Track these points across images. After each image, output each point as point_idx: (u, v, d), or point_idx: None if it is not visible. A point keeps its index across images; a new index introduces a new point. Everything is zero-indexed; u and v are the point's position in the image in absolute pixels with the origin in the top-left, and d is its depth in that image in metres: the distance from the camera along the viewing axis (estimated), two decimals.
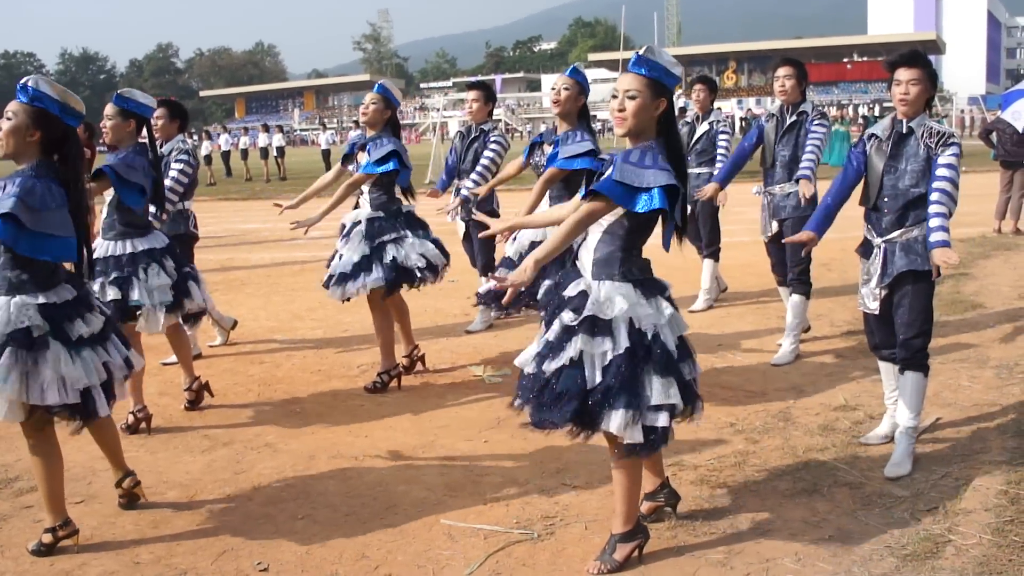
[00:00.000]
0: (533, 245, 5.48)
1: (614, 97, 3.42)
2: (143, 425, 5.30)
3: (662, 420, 3.35)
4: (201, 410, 5.68)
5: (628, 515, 3.54)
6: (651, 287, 3.46)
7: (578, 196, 3.68)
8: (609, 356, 3.32)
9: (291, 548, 3.83)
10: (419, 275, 5.88)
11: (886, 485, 4.24)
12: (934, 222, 4.23)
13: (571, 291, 3.44)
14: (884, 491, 4.18)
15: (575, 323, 3.36)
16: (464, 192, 6.87)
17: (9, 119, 3.72)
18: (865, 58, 78.23)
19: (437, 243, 6.02)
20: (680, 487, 4.16)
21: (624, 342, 3.32)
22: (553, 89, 5.37)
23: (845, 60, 79.97)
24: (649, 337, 3.36)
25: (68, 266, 3.92)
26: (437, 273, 6.01)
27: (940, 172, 4.28)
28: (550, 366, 3.38)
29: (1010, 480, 4.19)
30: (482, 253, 7.39)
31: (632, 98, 3.36)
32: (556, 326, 3.42)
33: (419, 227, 6.01)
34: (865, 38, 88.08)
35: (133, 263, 5.13)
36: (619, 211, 3.38)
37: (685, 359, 3.50)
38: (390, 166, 5.75)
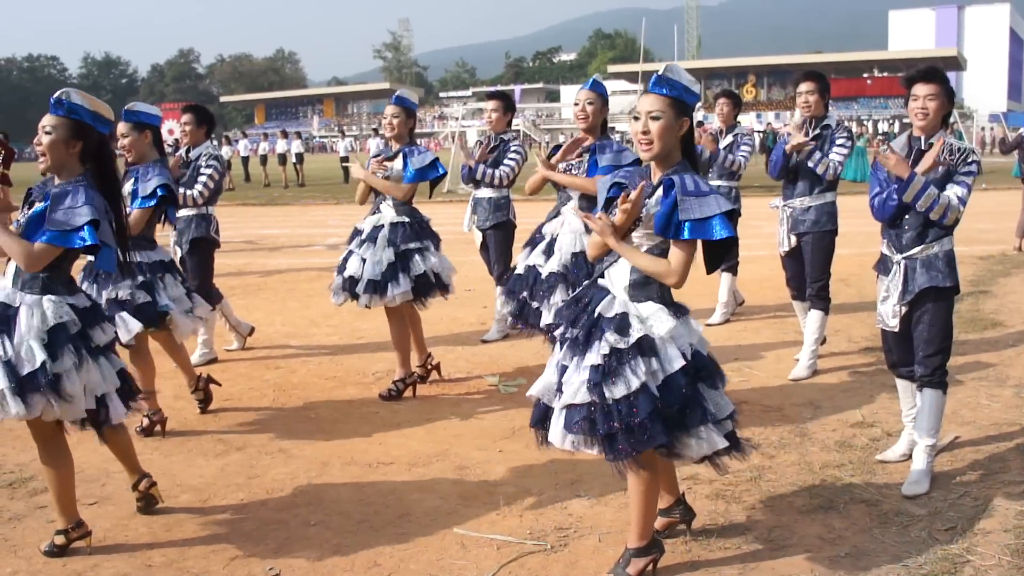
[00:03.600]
0: (575, 256, 5.37)
1: (636, 119, 3.38)
2: (157, 428, 5.31)
3: (729, 426, 3.45)
4: (215, 414, 5.69)
5: (643, 530, 3.51)
6: (679, 309, 3.44)
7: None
8: (661, 375, 3.28)
9: (303, 554, 3.82)
10: (430, 294, 5.91)
11: (903, 503, 4.20)
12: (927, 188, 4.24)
13: (607, 311, 3.37)
14: (901, 509, 4.13)
15: (627, 346, 3.29)
16: (490, 172, 6.97)
17: (48, 133, 3.74)
18: (885, 73, 77.93)
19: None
20: (695, 502, 4.13)
21: (678, 360, 3.30)
22: (576, 104, 5.33)
23: (865, 75, 79.68)
24: (690, 355, 3.34)
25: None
26: (447, 291, 6.02)
27: (952, 188, 4.26)
28: (617, 392, 3.25)
29: None
30: (499, 262, 7.37)
31: (656, 119, 3.32)
32: (600, 349, 3.30)
33: (437, 240, 6.02)
34: (885, 53, 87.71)
35: (152, 271, 5.17)
36: (659, 237, 3.36)
37: (718, 373, 3.52)
38: (439, 171, 5.81)
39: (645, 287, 3.39)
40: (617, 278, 3.44)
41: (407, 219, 5.87)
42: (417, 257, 5.79)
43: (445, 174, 5.91)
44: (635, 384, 3.23)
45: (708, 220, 3.24)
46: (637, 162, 5.00)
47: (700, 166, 8.10)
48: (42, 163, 3.79)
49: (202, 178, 6.32)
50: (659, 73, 3.37)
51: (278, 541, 3.95)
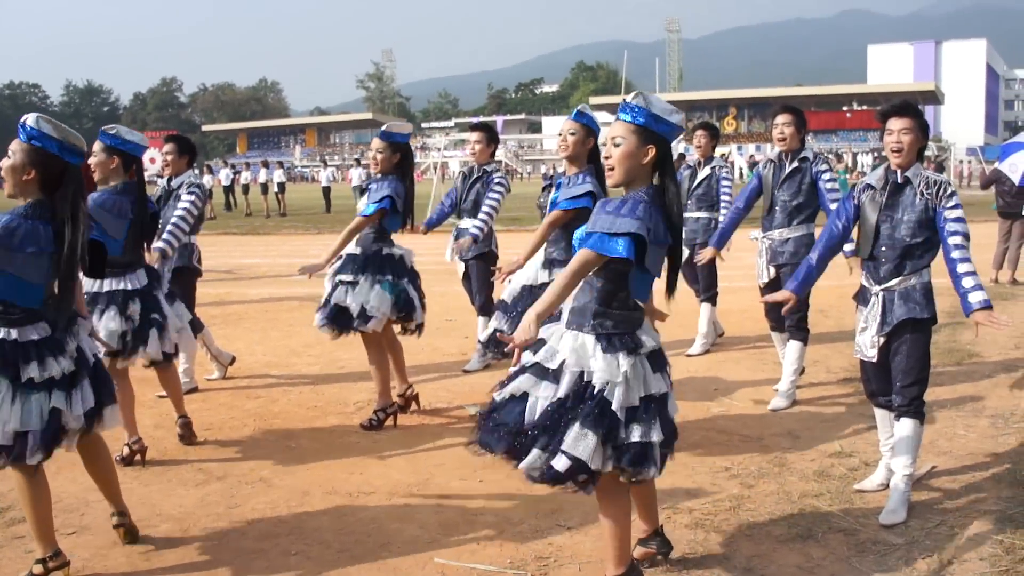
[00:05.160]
0: (525, 288, 5.51)
1: (603, 145, 3.43)
2: (138, 457, 5.29)
3: (559, 464, 3.25)
4: (196, 444, 5.67)
5: (620, 558, 3.52)
6: (619, 342, 3.36)
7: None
8: (546, 402, 3.32)
9: None
10: (354, 323, 5.81)
11: (881, 532, 4.23)
12: (968, 282, 4.25)
13: (542, 333, 3.44)
14: (879, 538, 4.17)
15: (527, 364, 3.40)
16: (473, 231, 6.87)
17: (9, 157, 3.73)
18: (864, 107, 78.88)
19: (404, 293, 5.92)
20: (674, 530, 4.16)
21: (563, 390, 3.31)
22: (559, 134, 5.40)
23: (845, 108, 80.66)
24: (597, 390, 3.29)
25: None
26: (368, 323, 5.82)
27: (952, 227, 4.31)
28: (500, 395, 3.43)
29: (1005, 529, 4.19)
30: (480, 292, 7.41)
31: (617, 145, 3.35)
32: (523, 359, 3.43)
33: (391, 272, 5.89)
34: (865, 87, 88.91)
35: (93, 302, 5.09)
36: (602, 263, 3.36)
37: (643, 421, 3.34)
38: (380, 205, 5.73)
39: (580, 314, 3.42)
40: (564, 304, 3.48)
41: (358, 251, 5.89)
42: (340, 289, 5.80)
43: (385, 208, 5.78)
44: (506, 394, 3.43)
45: (611, 237, 3.25)
46: (593, 195, 5.06)
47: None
48: (5, 187, 3.76)
49: (184, 205, 6.26)
50: (625, 100, 3.39)
51: (258, 571, 3.94)
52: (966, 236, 4.30)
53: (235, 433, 5.95)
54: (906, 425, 4.48)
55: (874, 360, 4.55)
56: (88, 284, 5.06)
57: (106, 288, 5.15)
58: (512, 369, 3.45)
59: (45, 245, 3.67)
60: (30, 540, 3.98)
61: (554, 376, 3.35)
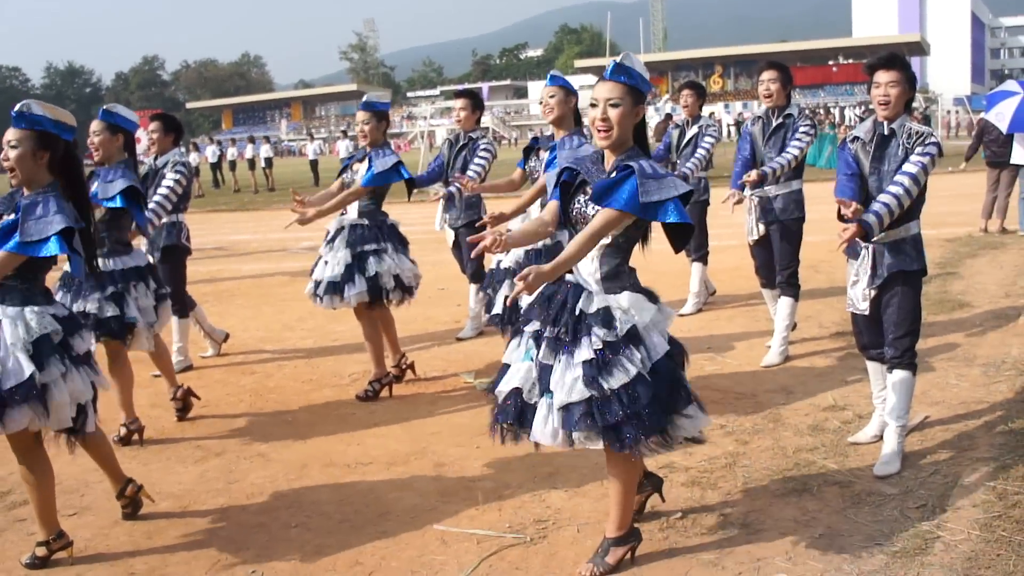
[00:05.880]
0: (527, 252, 5.47)
1: (593, 106, 3.41)
2: (135, 437, 5.31)
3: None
4: (193, 421, 5.69)
5: (622, 520, 3.56)
6: (652, 296, 3.48)
7: (553, 203, 3.64)
8: (648, 363, 3.33)
9: (285, 556, 3.84)
10: (388, 296, 5.92)
11: (875, 483, 4.27)
12: (875, 205, 4.24)
13: (590, 308, 3.38)
14: (873, 489, 4.21)
15: (616, 338, 3.32)
16: (452, 188, 6.84)
17: (15, 147, 3.73)
18: (850, 60, 78.50)
19: (412, 262, 6.08)
20: (671, 489, 4.20)
21: (663, 345, 3.38)
22: (540, 102, 5.40)
23: (830, 63, 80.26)
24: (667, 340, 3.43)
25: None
26: (410, 293, 6.04)
27: (905, 167, 4.28)
28: (615, 382, 3.28)
29: (998, 476, 4.23)
30: (471, 260, 7.40)
31: (615, 106, 3.36)
32: (592, 343, 3.31)
33: (400, 242, 6.04)
34: (850, 40, 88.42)
35: (124, 279, 5.15)
36: (623, 225, 3.37)
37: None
38: (399, 176, 5.80)
39: (616, 278, 3.43)
40: (587, 273, 3.46)
41: (366, 221, 5.91)
42: (372, 259, 5.82)
43: (410, 179, 5.90)
44: (633, 372, 3.28)
45: (663, 203, 3.28)
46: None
47: (666, 157, 8.17)
48: (12, 178, 3.79)
49: (168, 182, 6.23)
50: (617, 61, 3.41)
51: (260, 544, 3.97)
52: (914, 181, 4.25)
53: (232, 409, 5.96)
54: (899, 377, 4.51)
55: (866, 313, 4.57)
56: (112, 263, 5.16)
57: (131, 264, 5.25)
58: (580, 359, 3.32)
59: (76, 220, 3.78)
60: (32, 523, 4.02)
61: (638, 339, 3.35)
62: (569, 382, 3.30)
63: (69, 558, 3.87)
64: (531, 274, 3.15)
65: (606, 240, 3.39)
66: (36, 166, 3.76)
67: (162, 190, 6.22)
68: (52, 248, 3.61)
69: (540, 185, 5.31)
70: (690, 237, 3.56)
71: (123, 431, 5.27)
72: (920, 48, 75.68)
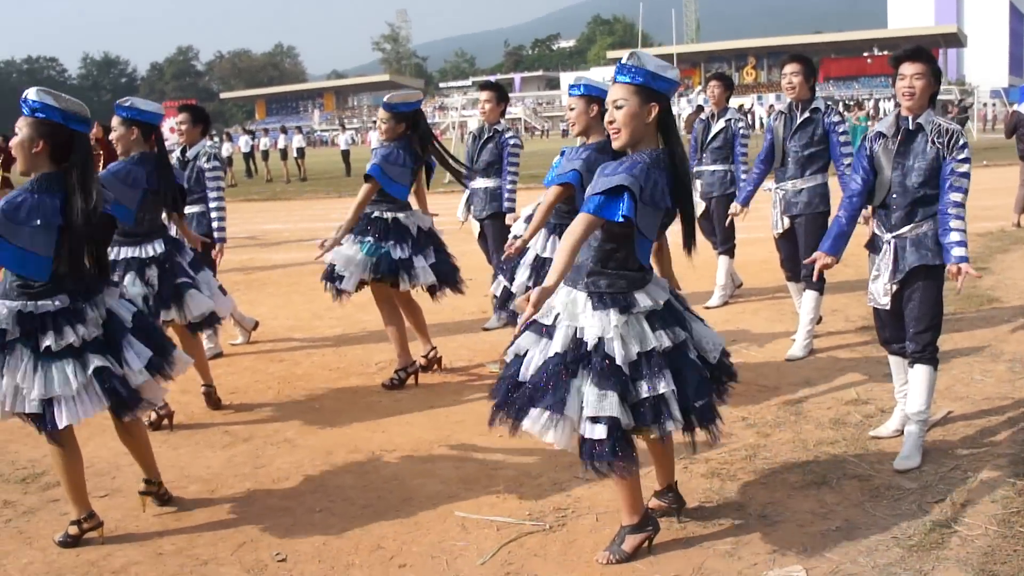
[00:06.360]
0: (538, 258, 5.46)
1: (605, 111, 3.45)
2: (165, 422, 5.41)
3: (598, 432, 3.29)
4: (222, 407, 5.79)
5: (632, 507, 3.61)
6: (611, 300, 3.39)
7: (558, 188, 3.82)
8: (542, 357, 3.39)
9: (309, 539, 3.93)
10: (407, 278, 5.95)
11: (895, 478, 4.29)
12: (954, 236, 4.25)
13: (559, 303, 3.49)
14: (893, 483, 4.23)
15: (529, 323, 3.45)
16: (508, 205, 7.00)
17: (16, 134, 3.80)
18: (885, 52, 77.54)
19: (387, 256, 5.96)
20: (690, 480, 4.24)
21: (556, 346, 3.37)
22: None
23: (865, 54, 79.41)
24: (590, 346, 3.35)
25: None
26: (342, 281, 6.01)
27: (956, 182, 4.28)
28: (507, 356, 3.54)
29: (1018, 472, 4.24)
30: (497, 251, 7.45)
31: (619, 107, 3.36)
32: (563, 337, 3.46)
33: (374, 234, 5.99)
34: (885, 32, 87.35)
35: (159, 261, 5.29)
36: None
37: (646, 376, 3.36)
38: (371, 172, 5.80)
39: (576, 271, 3.46)
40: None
41: (375, 214, 6.00)
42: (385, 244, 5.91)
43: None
44: (512, 353, 3.52)
45: (611, 200, 3.24)
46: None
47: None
48: (17, 165, 3.84)
49: (212, 184, 6.53)
50: (621, 61, 3.40)
51: (284, 527, 4.06)
52: (966, 193, 4.30)
53: (260, 396, 6.07)
54: (920, 371, 4.51)
55: (887, 308, 4.57)
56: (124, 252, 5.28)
57: (122, 256, 5.30)
58: (517, 331, 3.48)
59: (52, 217, 3.73)
60: (65, 503, 4.12)
61: (548, 332, 3.43)
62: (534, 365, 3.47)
63: (100, 537, 3.97)
64: (533, 294, 3.13)
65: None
66: (31, 154, 3.77)
67: (212, 195, 6.54)
68: None
69: (548, 201, 5.27)
70: (692, 236, 3.55)
71: (153, 416, 5.37)
72: (957, 39, 74.83)
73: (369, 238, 5.93)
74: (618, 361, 3.32)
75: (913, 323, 4.50)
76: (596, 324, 3.36)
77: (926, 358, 4.51)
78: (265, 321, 7.97)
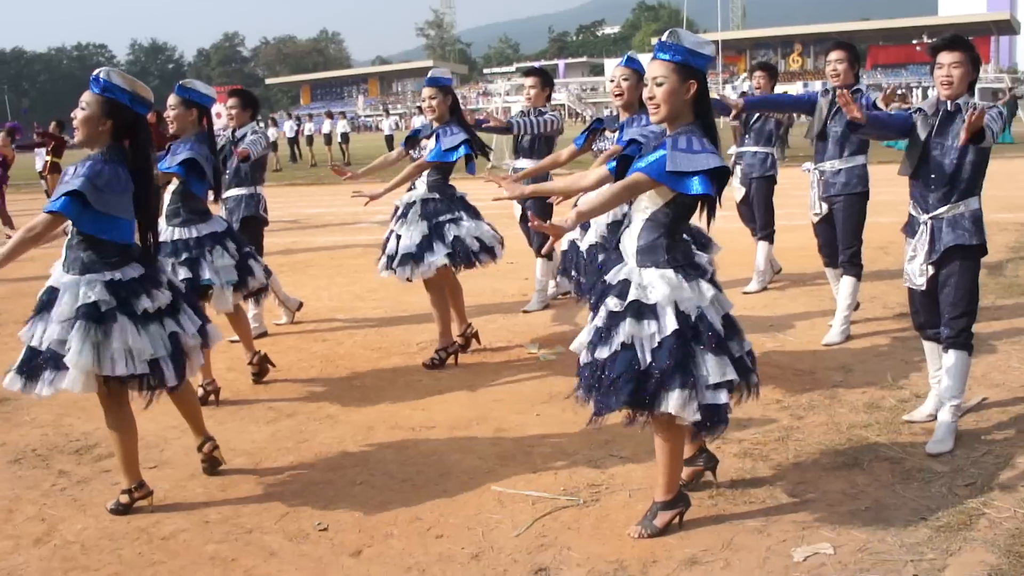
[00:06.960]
0: (609, 226, 5.48)
1: (645, 86, 3.53)
2: (212, 398, 5.57)
3: (722, 397, 3.46)
4: (266, 384, 5.95)
5: (670, 484, 3.69)
6: (692, 271, 3.55)
7: (603, 170, 3.87)
8: (657, 338, 3.44)
9: (349, 510, 4.05)
10: (475, 258, 6.07)
11: (926, 461, 4.33)
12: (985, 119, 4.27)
13: (613, 278, 3.59)
14: (924, 466, 4.27)
15: (621, 309, 3.49)
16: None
17: (83, 109, 3.95)
18: (935, 39, 76.36)
19: (490, 226, 6.22)
20: (723, 460, 4.30)
21: (672, 324, 3.43)
22: (612, 81, 5.43)
23: (914, 42, 78.14)
24: (694, 318, 3.47)
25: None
26: (493, 255, 6.18)
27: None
28: (603, 353, 3.52)
29: None
30: (539, 235, 7.53)
31: (660, 84, 3.45)
32: (603, 312, 3.57)
33: (472, 211, 6.19)
34: (935, 19, 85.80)
35: (200, 246, 5.44)
36: (662, 199, 3.50)
37: (732, 337, 3.59)
38: (460, 152, 5.92)
39: (651, 252, 3.53)
40: (628, 244, 3.60)
41: (437, 195, 6.07)
42: (450, 226, 5.99)
43: (469, 154, 5.97)
44: (616, 345, 3.47)
45: (687, 175, 3.37)
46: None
47: (735, 132, 8.22)
48: (76, 136, 4.02)
49: (250, 136, 6.75)
50: (661, 39, 3.50)
51: (326, 499, 4.19)
52: (993, 132, 4.31)
53: (303, 374, 6.21)
54: (953, 356, 4.54)
55: (923, 288, 4.59)
56: (187, 232, 5.46)
57: (205, 232, 5.51)
58: (595, 323, 3.58)
59: (126, 184, 3.96)
60: (116, 473, 4.29)
61: (652, 313, 3.47)
62: (583, 341, 3.66)
63: (149, 506, 4.14)
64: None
65: (644, 214, 3.54)
66: (97, 131, 3.93)
67: (250, 136, 6.76)
68: (57, 205, 3.77)
69: (607, 154, 5.36)
70: (712, 214, 3.62)
71: (200, 391, 5.52)
72: (1010, 26, 73.47)
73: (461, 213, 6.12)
74: (717, 327, 3.50)
75: (949, 308, 4.53)
76: (695, 297, 3.49)
77: (960, 343, 4.53)
78: (308, 302, 8.11)
